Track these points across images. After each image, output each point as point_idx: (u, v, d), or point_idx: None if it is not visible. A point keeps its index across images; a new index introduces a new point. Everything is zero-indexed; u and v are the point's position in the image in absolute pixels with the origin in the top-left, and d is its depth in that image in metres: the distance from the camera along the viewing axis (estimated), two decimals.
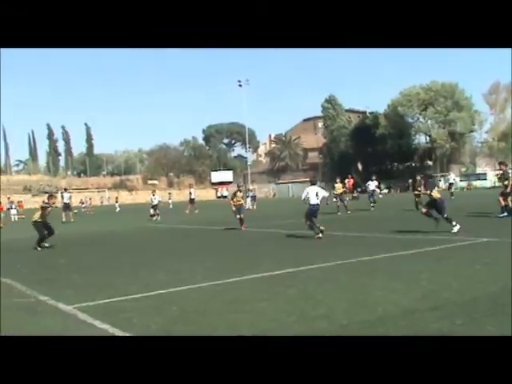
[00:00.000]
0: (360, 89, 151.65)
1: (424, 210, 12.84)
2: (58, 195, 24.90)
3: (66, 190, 32.91)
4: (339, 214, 22.25)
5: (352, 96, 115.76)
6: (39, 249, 13.20)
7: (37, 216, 13.46)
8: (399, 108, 65.07)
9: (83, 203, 49.02)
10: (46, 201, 14.03)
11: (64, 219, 26.59)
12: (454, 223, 12.02)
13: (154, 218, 25.48)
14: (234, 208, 17.36)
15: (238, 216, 17.28)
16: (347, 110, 78.79)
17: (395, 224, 15.52)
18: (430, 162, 67.22)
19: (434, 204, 12.51)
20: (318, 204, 13.01)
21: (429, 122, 65.65)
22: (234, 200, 17.45)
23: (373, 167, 63.10)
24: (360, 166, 63.45)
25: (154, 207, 26.04)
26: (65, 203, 27.86)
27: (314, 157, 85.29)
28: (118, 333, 4.94)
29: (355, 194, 42.56)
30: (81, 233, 20.00)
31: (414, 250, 9.81)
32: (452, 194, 31.54)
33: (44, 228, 13.48)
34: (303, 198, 13.20)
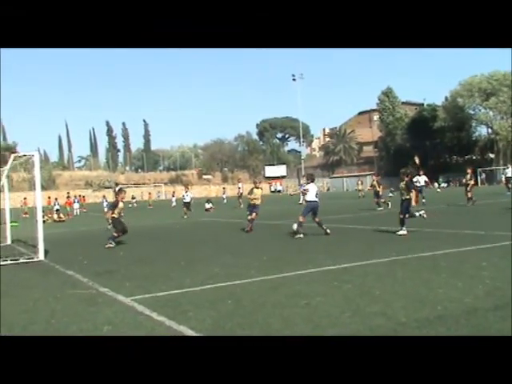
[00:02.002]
0: (417, 81, 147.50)
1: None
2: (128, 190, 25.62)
3: (117, 184, 33.98)
4: (389, 207, 22.72)
5: (409, 88, 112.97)
6: (113, 244, 12.94)
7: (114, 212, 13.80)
8: (458, 99, 62.72)
9: (134, 198, 50.61)
10: (115, 198, 14.39)
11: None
12: (403, 228, 12.07)
13: (186, 216, 24.49)
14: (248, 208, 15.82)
15: (249, 217, 15.55)
16: (404, 103, 76.96)
17: (449, 219, 14.97)
18: (491, 155, 64.55)
19: (406, 203, 12.42)
20: (316, 201, 13.14)
21: (490, 112, 62.91)
22: (251, 197, 15.79)
23: (431, 161, 61.23)
24: (417, 160, 61.78)
25: (187, 204, 25.16)
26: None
27: (368, 151, 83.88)
28: (174, 325, 5.04)
29: None
30: (139, 226, 20.53)
31: (474, 246, 9.45)
32: (509, 188, 30.18)
33: (117, 224, 13.55)
34: (304, 194, 13.32)
